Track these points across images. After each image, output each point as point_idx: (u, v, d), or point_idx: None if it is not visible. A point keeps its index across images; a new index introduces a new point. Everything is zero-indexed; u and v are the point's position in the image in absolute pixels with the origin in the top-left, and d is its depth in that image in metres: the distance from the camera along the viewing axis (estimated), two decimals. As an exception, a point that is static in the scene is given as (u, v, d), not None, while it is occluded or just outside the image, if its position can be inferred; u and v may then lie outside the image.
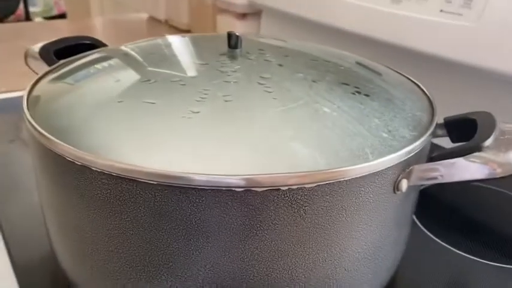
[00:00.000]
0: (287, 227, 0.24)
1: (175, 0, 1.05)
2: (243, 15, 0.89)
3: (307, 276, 0.26)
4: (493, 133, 0.26)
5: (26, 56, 0.40)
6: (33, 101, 0.29)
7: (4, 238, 0.37)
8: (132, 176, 0.23)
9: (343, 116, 0.27)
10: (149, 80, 0.29)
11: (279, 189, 0.23)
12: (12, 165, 0.49)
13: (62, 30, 1.08)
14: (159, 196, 0.23)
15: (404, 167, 0.26)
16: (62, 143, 0.24)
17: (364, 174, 0.24)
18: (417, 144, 0.26)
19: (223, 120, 0.25)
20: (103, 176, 0.23)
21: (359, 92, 0.29)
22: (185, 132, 0.24)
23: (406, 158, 0.26)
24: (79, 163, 0.24)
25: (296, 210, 0.23)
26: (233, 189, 0.22)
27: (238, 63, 0.31)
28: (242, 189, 0.22)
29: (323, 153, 0.24)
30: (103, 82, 0.30)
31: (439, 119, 0.31)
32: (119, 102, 0.27)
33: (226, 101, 0.26)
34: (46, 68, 0.36)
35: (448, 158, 0.26)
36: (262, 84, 0.28)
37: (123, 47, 0.36)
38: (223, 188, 0.22)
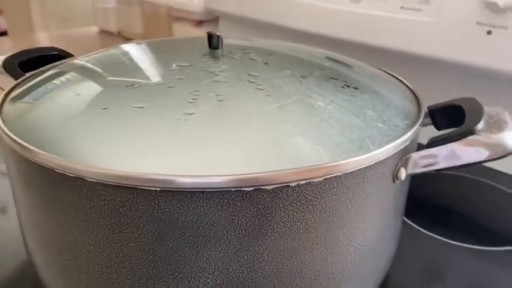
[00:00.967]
0: (296, 223, 0.23)
1: (126, 11, 1.03)
2: (199, 23, 0.88)
3: (316, 273, 0.25)
4: (483, 116, 0.27)
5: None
6: (6, 115, 0.27)
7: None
8: (133, 184, 0.21)
9: (338, 109, 0.27)
10: (132, 85, 0.28)
11: (288, 185, 0.22)
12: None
13: (4, 47, 1.03)
14: (163, 203, 0.22)
15: (402, 156, 0.26)
16: (51, 155, 0.23)
17: (368, 165, 0.24)
18: (412, 132, 0.27)
19: (220, 120, 0.24)
20: (99, 186, 0.22)
21: (348, 86, 0.29)
22: (183, 135, 0.23)
23: (403, 146, 0.26)
24: (71, 174, 0.22)
25: (305, 206, 0.23)
26: (242, 189, 0.22)
27: (223, 62, 0.30)
28: (251, 188, 0.22)
29: (325, 146, 0.24)
30: (83, 90, 0.29)
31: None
32: (103, 109, 0.26)
33: (219, 100, 0.26)
34: (9, 82, 0.34)
35: (442, 144, 0.26)
36: (252, 82, 0.28)
37: (94, 55, 0.34)
38: (233, 189, 0.21)
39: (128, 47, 0.35)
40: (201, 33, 0.89)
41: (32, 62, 0.38)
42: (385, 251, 0.30)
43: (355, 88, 0.29)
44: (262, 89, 0.27)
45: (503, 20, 0.48)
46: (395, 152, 0.25)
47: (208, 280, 0.23)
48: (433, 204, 0.46)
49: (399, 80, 0.35)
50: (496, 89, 0.52)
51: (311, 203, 0.23)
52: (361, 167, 0.24)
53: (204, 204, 0.22)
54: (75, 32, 1.18)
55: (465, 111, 0.29)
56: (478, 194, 0.49)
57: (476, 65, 0.51)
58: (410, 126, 0.27)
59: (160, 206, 0.22)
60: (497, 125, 0.27)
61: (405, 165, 0.27)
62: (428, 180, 0.42)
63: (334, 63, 0.34)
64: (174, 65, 0.30)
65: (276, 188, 0.22)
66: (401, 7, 0.56)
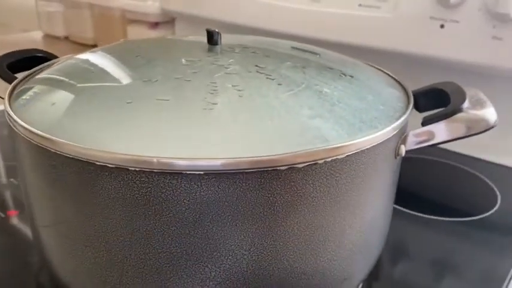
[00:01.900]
0: (322, 198, 0.25)
1: (74, 15, 1.01)
2: (155, 24, 0.88)
3: (337, 245, 0.28)
4: (467, 96, 0.31)
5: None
6: (21, 114, 0.27)
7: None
8: (177, 170, 0.23)
9: (343, 95, 0.29)
10: (150, 80, 0.29)
11: (317, 163, 0.24)
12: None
13: None
14: (205, 186, 0.23)
15: (401, 134, 0.30)
16: (89, 147, 0.23)
17: (379, 142, 0.27)
18: (409, 112, 0.30)
19: (245, 108, 0.26)
20: (142, 174, 0.23)
21: (344, 74, 0.32)
22: (214, 122, 0.25)
23: (403, 125, 0.29)
24: (112, 165, 0.23)
25: (330, 181, 0.25)
26: (278, 168, 0.23)
27: (228, 57, 0.32)
28: (286, 167, 0.24)
29: (342, 127, 0.26)
30: (100, 84, 0.29)
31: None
32: (128, 103, 0.27)
33: (238, 90, 0.27)
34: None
35: (436, 122, 0.30)
36: (261, 73, 0.30)
37: (96, 52, 0.35)
38: (269, 169, 0.23)
39: (137, 42, 0.36)
40: (157, 34, 0.89)
41: (18, 64, 0.38)
42: (387, 222, 0.33)
43: (351, 76, 0.32)
44: (273, 79, 0.29)
45: (455, 14, 0.53)
46: (398, 130, 0.28)
47: (245, 256, 0.25)
48: (404, 184, 0.50)
49: (379, 69, 0.38)
50: (451, 78, 0.57)
51: (335, 178, 0.25)
52: (374, 144, 0.26)
53: (244, 184, 0.23)
54: (18, 38, 1.13)
55: (448, 93, 0.32)
56: (444, 174, 0.54)
57: (431, 56, 0.56)
58: (405, 108, 0.30)
59: (203, 189, 0.23)
60: (479, 103, 0.31)
61: (404, 143, 0.30)
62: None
63: (324, 55, 0.36)
64: (183, 60, 0.31)
65: (307, 166, 0.24)
66: (360, 5, 0.60)
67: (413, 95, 0.35)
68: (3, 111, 0.28)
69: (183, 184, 0.23)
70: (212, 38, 0.33)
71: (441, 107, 0.32)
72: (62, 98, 0.29)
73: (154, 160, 0.23)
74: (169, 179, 0.23)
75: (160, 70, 0.30)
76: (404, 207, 0.45)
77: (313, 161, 0.24)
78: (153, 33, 0.88)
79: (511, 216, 0.46)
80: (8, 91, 0.30)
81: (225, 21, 0.75)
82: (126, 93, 0.28)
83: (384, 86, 0.33)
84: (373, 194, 0.29)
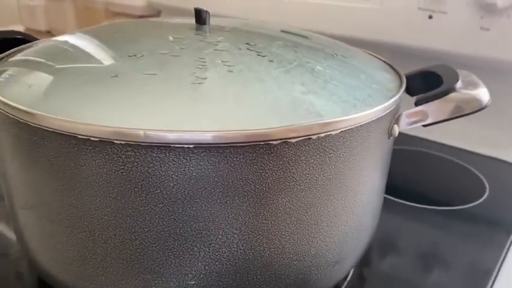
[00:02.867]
0: (315, 175, 0.25)
1: (56, 8, 0.99)
2: (140, 18, 0.87)
3: (330, 225, 0.27)
4: (460, 77, 0.30)
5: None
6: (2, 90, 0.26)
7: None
8: (165, 143, 0.22)
9: (336, 73, 0.28)
10: (135, 55, 0.27)
11: (310, 138, 0.23)
12: None
13: None
14: (195, 160, 0.22)
15: (394, 114, 0.29)
16: (71, 119, 0.22)
17: (373, 119, 0.26)
18: (402, 91, 0.29)
19: (235, 82, 0.25)
20: (128, 148, 0.22)
21: (336, 54, 0.31)
22: (204, 96, 0.24)
23: (397, 103, 0.28)
24: (96, 139, 0.22)
25: (323, 158, 0.24)
26: (270, 142, 0.23)
27: (217, 35, 0.31)
28: (279, 141, 0.23)
29: (336, 103, 0.25)
30: (81, 65, 0.28)
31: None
32: (113, 77, 0.25)
33: (228, 65, 0.26)
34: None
35: (429, 101, 0.29)
36: (252, 50, 0.29)
37: (77, 33, 0.33)
38: (262, 143, 0.22)
39: (120, 24, 0.35)
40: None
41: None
42: (378, 205, 0.32)
43: (344, 56, 0.32)
44: (264, 56, 0.28)
45: (443, 5, 0.53)
46: (392, 108, 0.28)
47: (235, 236, 0.24)
48: (395, 174, 0.50)
49: (370, 54, 0.38)
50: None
51: (328, 155, 0.25)
52: (369, 121, 0.26)
53: (235, 159, 0.22)
54: (-2, 32, 1.10)
55: (441, 75, 0.32)
56: (434, 166, 0.54)
57: (420, 47, 0.55)
58: (398, 87, 0.30)
59: (192, 164, 0.22)
60: (472, 84, 0.30)
61: (397, 122, 0.29)
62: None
63: (316, 38, 0.36)
64: (171, 37, 0.30)
65: (300, 141, 0.23)
66: (349, -4, 0.60)
67: (406, 78, 0.35)
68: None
69: (171, 158, 0.22)
70: (200, 17, 0.32)
71: (431, 90, 0.32)
72: (41, 78, 0.27)
73: (141, 133, 0.21)
74: (157, 153, 0.22)
75: (146, 46, 0.29)
76: (395, 196, 0.45)
77: (306, 135, 0.23)
78: (138, 27, 0.87)
79: (499, 205, 0.46)
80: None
81: (211, 14, 0.74)
82: (110, 68, 0.27)
83: (376, 68, 0.33)
84: (366, 174, 0.28)
